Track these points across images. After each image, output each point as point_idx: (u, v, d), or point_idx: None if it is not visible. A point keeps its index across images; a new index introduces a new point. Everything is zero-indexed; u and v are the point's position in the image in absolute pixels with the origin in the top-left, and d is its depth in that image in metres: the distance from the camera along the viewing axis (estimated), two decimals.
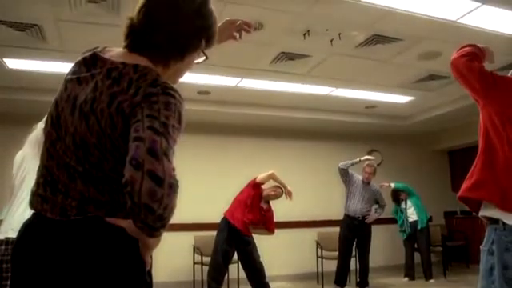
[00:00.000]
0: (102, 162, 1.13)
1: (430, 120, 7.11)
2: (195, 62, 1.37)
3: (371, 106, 6.66)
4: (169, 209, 1.03)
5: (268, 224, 5.63)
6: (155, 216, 1.01)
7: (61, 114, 1.20)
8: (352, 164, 5.95)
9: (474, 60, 1.88)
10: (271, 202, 5.67)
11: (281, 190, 5.53)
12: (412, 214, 6.77)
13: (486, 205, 1.79)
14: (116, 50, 1.27)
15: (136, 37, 1.25)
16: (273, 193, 5.54)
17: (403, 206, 6.86)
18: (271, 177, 5.41)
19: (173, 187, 1.03)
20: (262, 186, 5.52)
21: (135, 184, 1.00)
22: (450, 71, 2.01)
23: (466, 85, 1.90)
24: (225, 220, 5.42)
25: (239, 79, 5.36)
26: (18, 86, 5.23)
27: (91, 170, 1.13)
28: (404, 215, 6.81)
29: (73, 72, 1.26)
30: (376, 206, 6.11)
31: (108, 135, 1.11)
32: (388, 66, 4.96)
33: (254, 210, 5.44)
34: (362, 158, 6.03)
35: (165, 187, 1.01)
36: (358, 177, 6.05)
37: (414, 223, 6.72)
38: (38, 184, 1.23)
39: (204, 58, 1.37)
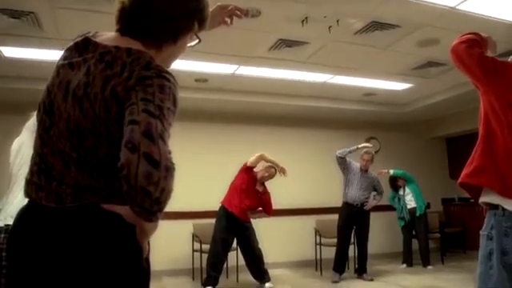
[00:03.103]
0: (97, 148, 1.12)
1: (428, 107, 7.10)
2: (188, 45, 1.35)
3: (369, 94, 6.65)
4: (166, 192, 1.02)
5: (266, 206, 5.68)
6: (152, 199, 1.01)
7: (53, 100, 1.19)
8: (349, 152, 5.96)
9: (474, 46, 1.87)
10: (268, 185, 5.70)
11: (274, 170, 5.57)
12: (410, 201, 6.81)
13: (486, 191, 1.79)
14: (108, 35, 1.26)
15: (127, 20, 1.24)
16: (267, 174, 5.58)
17: (401, 192, 6.89)
18: (261, 158, 5.43)
19: (169, 170, 1.02)
20: (254, 169, 5.55)
21: (131, 167, 0.99)
22: (448, 58, 2.00)
23: (466, 71, 1.90)
24: (222, 208, 5.45)
25: (236, 67, 5.33)
26: (14, 74, 5.20)
27: (85, 156, 1.13)
28: (402, 202, 6.85)
29: (64, 57, 1.25)
30: (374, 193, 6.15)
31: (102, 120, 1.11)
32: (386, 53, 4.93)
33: (250, 195, 5.48)
34: (360, 146, 6.04)
35: (161, 170, 1.00)
36: (356, 164, 6.07)
37: (413, 210, 6.76)
38: (31, 172, 1.22)
39: (197, 41, 1.36)
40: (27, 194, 1.22)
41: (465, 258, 7.11)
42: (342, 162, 6.01)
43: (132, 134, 1.02)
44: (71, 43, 1.27)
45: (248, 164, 5.48)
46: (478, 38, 1.93)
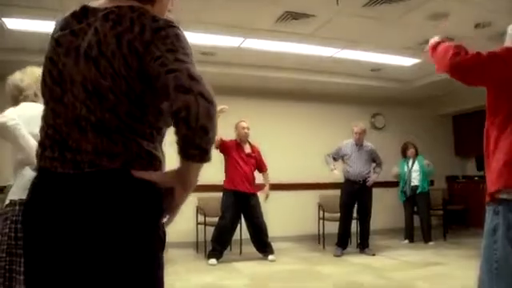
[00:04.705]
0: (117, 106, 1.13)
1: (435, 83, 6.99)
2: None
3: (377, 69, 6.56)
4: (215, 131, 1.10)
5: (261, 164, 5.73)
6: (208, 137, 1.08)
7: (62, 69, 1.19)
8: (330, 163, 6.10)
9: (462, 52, 1.79)
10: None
11: (242, 122, 5.56)
12: (414, 179, 6.78)
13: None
14: (101, 1, 1.27)
15: None
16: (245, 130, 5.55)
17: (410, 164, 6.84)
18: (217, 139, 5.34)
19: (216, 108, 1.10)
20: (226, 140, 5.52)
21: (191, 107, 1.04)
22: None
23: (479, 80, 1.82)
24: (226, 189, 5.49)
25: (242, 39, 5.26)
26: (18, 47, 5.16)
27: (104, 118, 1.13)
28: (407, 176, 6.80)
29: (61, 27, 1.26)
30: (373, 165, 6.13)
31: (123, 76, 1.12)
32: (395, 27, 4.84)
33: (247, 163, 5.51)
34: (332, 167, 6.08)
35: (215, 106, 1.09)
36: (349, 142, 6.06)
37: (415, 188, 6.75)
38: (43, 146, 1.21)
39: None
40: (40, 166, 1.21)
41: (467, 234, 7.15)
42: (335, 157, 6.13)
43: (178, 80, 1.08)
44: (66, 14, 1.29)
45: (218, 147, 5.45)
46: (448, 40, 1.90)
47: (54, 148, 1.17)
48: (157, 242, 1.21)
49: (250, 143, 5.70)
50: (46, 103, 1.23)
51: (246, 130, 5.59)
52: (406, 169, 6.88)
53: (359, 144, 6.01)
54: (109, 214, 1.11)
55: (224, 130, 5.49)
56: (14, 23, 4.55)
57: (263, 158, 5.77)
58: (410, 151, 6.86)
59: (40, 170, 1.21)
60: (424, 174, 6.76)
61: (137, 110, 1.14)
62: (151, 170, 1.19)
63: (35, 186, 1.21)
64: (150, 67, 1.11)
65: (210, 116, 1.07)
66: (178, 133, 1.08)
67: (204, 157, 1.11)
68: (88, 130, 1.14)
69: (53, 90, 1.20)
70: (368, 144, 6.11)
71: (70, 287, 1.13)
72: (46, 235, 1.15)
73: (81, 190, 1.12)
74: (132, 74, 1.12)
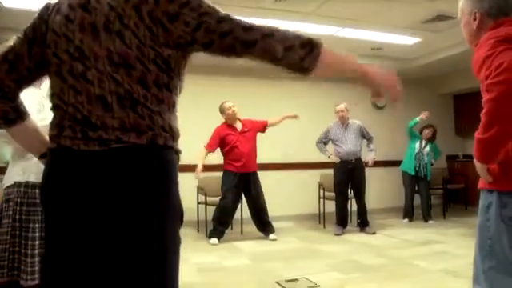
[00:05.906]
0: (145, 75, 1.14)
1: (436, 62, 6.96)
2: None
3: (377, 48, 6.50)
4: (292, 40, 1.21)
5: (260, 127, 5.67)
6: (295, 44, 1.20)
7: (81, 45, 1.17)
8: (322, 149, 6.13)
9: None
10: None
11: (226, 104, 5.46)
12: (425, 157, 6.77)
13: None
14: None
15: None
16: (231, 111, 5.44)
17: (423, 145, 6.79)
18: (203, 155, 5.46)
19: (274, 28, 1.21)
20: (214, 134, 5.52)
21: (268, 49, 1.19)
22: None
23: None
24: (226, 170, 5.49)
25: (241, 19, 5.20)
26: (14, 26, 5.09)
27: (132, 89, 1.13)
28: (420, 156, 6.76)
29: (69, 5, 1.22)
30: (366, 143, 6.11)
31: (149, 46, 1.13)
32: (396, 5, 4.78)
33: (246, 141, 5.48)
34: (327, 153, 6.10)
35: (277, 31, 1.20)
36: (336, 122, 6.06)
37: (425, 167, 6.75)
38: (61, 127, 1.18)
39: None
40: (57, 144, 1.18)
41: (466, 213, 7.21)
42: (325, 142, 6.14)
43: (239, 39, 1.19)
44: None
45: (212, 151, 5.48)
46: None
47: (75, 128, 1.15)
48: (179, 219, 1.25)
49: (239, 120, 5.65)
50: (63, 80, 1.19)
51: (233, 109, 5.49)
52: (417, 145, 6.79)
53: (345, 123, 6.00)
54: (137, 189, 1.11)
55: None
56: (11, 2, 4.49)
57: (257, 120, 5.69)
58: (425, 133, 6.77)
59: (58, 149, 1.18)
60: (429, 162, 6.75)
61: (164, 76, 1.16)
62: (173, 144, 1.20)
63: (55, 165, 1.19)
64: (195, 36, 1.16)
65: (283, 40, 1.18)
66: (286, 68, 1.22)
67: (315, 48, 1.24)
68: (114, 104, 1.13)
69: (72, 67, 1.17)
70: (355, 121, 6.08)
71: (96, 261, 1.14)
72: (72, 212, 1.14)
73: (107, 166, 1.12)
74: (158, 42, 1.14)
